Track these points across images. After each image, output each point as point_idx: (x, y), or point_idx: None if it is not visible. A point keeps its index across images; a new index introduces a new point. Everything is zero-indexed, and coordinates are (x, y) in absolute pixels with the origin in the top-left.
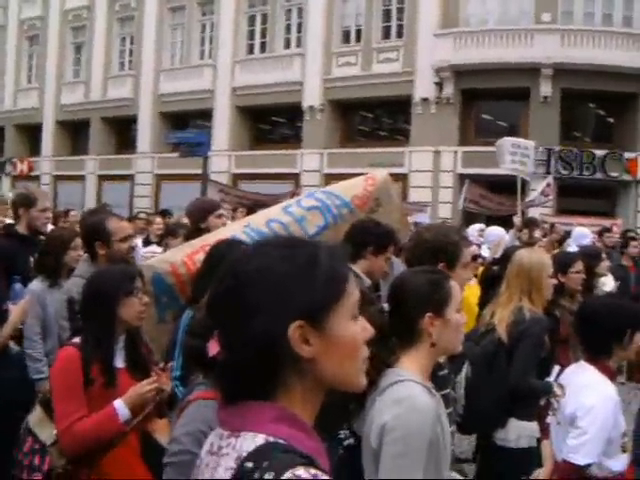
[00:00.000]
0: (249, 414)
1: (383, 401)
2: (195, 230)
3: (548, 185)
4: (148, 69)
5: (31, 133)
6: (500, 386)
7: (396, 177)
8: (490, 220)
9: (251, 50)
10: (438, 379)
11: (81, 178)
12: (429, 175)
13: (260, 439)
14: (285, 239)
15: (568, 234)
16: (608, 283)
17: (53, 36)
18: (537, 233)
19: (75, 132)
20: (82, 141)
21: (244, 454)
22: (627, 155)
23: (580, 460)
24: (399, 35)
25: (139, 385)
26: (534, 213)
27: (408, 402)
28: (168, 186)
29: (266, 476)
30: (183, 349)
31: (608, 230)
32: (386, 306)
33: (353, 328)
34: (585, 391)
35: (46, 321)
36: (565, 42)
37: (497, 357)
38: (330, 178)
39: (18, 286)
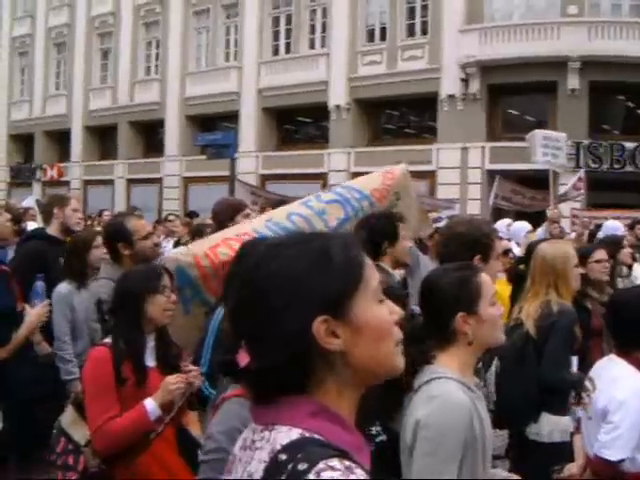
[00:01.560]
0: (284, 408)
1: (418, 398)
2: (222, 229)
3: (580, 179)
4: (174, 73)
5: (60, 139)
6: (530, 381)
7: (424, 174)
8: (519, 215)
9: (276, 51)
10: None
11: (110, 182)
12: (457, 172)
13: (295, 433)
14: (295, 237)
15: (598, 228)
16: None
17: (80, 43)
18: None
19: (103, 137)
20: (110, 146)
21: (278, 447)
22: None
23: (613, 456)
24: (424, 32)
25: (167, 381)
26: (565, 208)
27: (442, 399)
28: (196, 188)
29: (299, 467)
30: (212, 351)
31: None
32: (416, 308)
33: (379, 312)
34: (616, 385)
35: (75, 322)
36: (592, 34)
37: (526, 352)
38: (358, 177)
39: (40, 284)
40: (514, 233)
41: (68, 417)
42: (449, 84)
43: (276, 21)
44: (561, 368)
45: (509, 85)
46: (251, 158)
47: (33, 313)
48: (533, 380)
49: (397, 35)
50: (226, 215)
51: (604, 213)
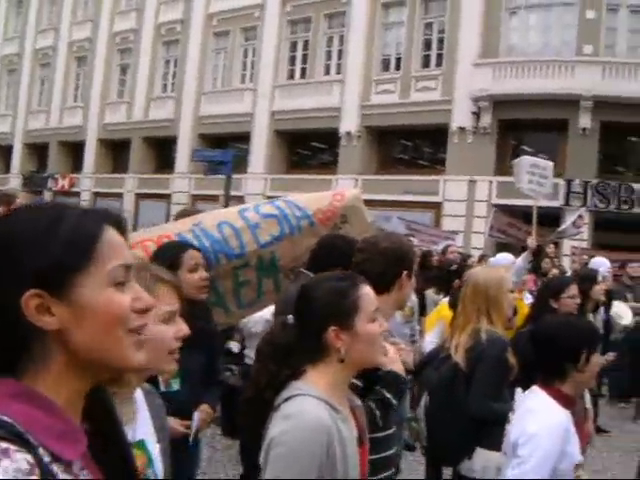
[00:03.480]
0: None
1: (276, 416)
2: None
3: (580, 217)
4: (190, 91)
5: (74, 150)
6: (461, 414)
7: (430, 205)
8: (523, 249)
9: (291, 75)
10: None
11: (119, 195)
12: (463, 204)
13: None
14: (45, 203)
15: None
16: (626, 317)
17: (100, 57)
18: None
19: (116, 150)
20: (122, 159)
21: None
22: None
23: None
24: (438, 64)
25: None
26: (566, 246)
27: (298, 418)
28: (202, 206)
29: None
30: None
31: (632, 261)
32: (291, 318)
33: (112, 297)
34: (529, 417)
35: None
36: (606, 74)
37: (455, 384)
38: (365, 204)
39: None
40: (495, 264)
41: None
42: (460, 117)
43: (293, 46)
44: (489, 399)
45: (520, 121)
46: (260, 180)
47: None
48: (464, 414)
49: (412, 65)
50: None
51: (604, 253)
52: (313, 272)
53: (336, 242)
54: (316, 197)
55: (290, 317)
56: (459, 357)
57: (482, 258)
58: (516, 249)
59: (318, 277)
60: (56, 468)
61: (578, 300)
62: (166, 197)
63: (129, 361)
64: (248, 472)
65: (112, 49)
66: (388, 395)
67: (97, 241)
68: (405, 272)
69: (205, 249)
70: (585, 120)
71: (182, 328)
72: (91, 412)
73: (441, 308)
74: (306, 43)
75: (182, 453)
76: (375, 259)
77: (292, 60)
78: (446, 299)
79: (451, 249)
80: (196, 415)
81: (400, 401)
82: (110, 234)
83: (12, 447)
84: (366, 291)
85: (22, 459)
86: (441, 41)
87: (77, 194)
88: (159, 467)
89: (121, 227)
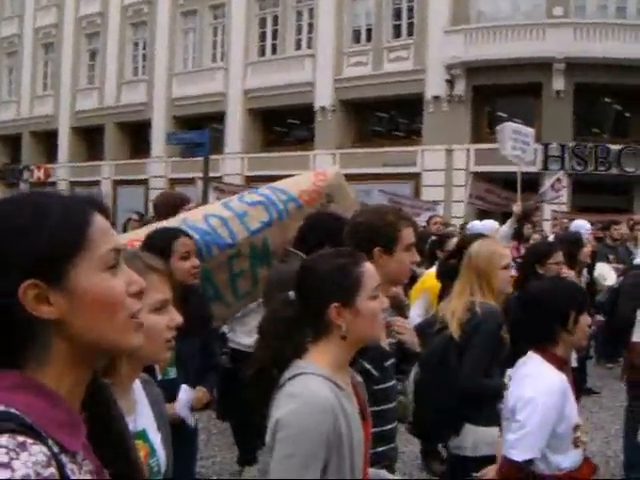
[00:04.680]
0: None
1: (280, 395)
2: None
3: (558, 180)
4: (161, 73)
5: (47, 140)
6: (452, 388)
7: (409, 176)
8: (505, 216)
9: (263, 52)
10: (384, 370)
11: (97, 183)
12: (442, 174)
13: None
14: (24, 193)
15: None
16: (610, 278)
17: (67, 43)
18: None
19: (90, 138)
20: (97, 147)
21: None
22: None
23: (518, 456)
24: (410, 33)
25: None
26: (546, 210)
27: (303, 397)
28: (181, 190)
29: None
30: None
31: (615, 223)
32: (292, 294)
33: (107, 281)
34: (526, 382)
35: None
36: (578, 36)
37: (448, 357)
38: (345, 178)
39: None
40: (472, 230)
41: None
42: (434, 85)
43: (263, 22)
44: (478, 374)
45: (494, 86)
46: (237, 159)
47: None
48: (455, 388)
49: (383, 36)
50: (167, 210)
51: (585, 215)
52: (302, 250)
53: (322, 218)
54: (298, 180)
55: (291, 293)
56: (453, 327)
57: (463, 227)
58: (497, 215)
59: (319, 254)
60: (64, 458)
61: (563, 266)
62: (144, 182)
63: (128, 343)
64: (244, 454)
65: (79, 34)
66: (368, 366)
67: (87, 227)
68: (378, 248)
69: (197, 242)
70: (558, 83)
71: (175, 317)
72: (90, 402)
73: (424, 280)
74: (275, 19)
75: (181, 439)
76: (348, 236)
77: (262, 36)
78: (429, 270)
79: (434, 220)
80: (183, 388)
81: (385, 374)
82: (98, 219)
83: (28, 440)
84: (367, 268)
85: (39, 451)
86: (411, 10)
87: (53, 184)
88: (162, 456)
89: (105, 212)
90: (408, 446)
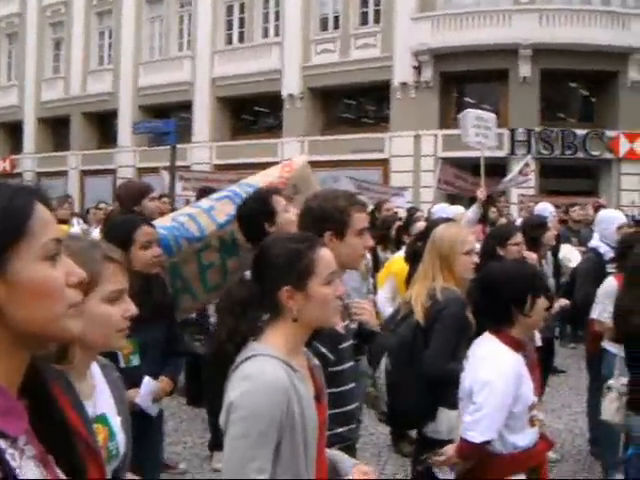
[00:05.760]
0: None
1: (234, 377)
2: (127, 213)
3: (527, 165)
4: (127, 62)
5: (12, 131)
6: (423, 376)
7: (377, 162)
8: (473, 201)
9: (230, 40)
10: (340, 352)
11: (64, 174)
12: (410, 160)
13: None
14: None
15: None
16: (574, 260)
17: (31, 33)
18: (493, 212)
19: (56, 128)
20: (64, 137)
21: None
22: (608, 134)
23: (476, 437)
24: (377, 20)
25: None
26: (514, 194)
27: (255, 379)
28: (149, 179)
29: None
30: None
31: (575, 205)
32: (248, 274)
33: (45, 271)
34: (482, 364)
35: None
36: (544, 22)
37: (416, 344)
38: (312, 166)
39: None
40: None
41: None
42: (402, 72)
43: (230, 10)
44: (445, 359)
45: (461, 73)
46: (205, 148)
47: None
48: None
49: (350, 23)
50: (131, 199)
51: (551, 199)
52: None
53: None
54: (265, 173)
55: (247, 273)
56: (418, 313)
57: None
58: (465, 200)
59: (277, 237)
60: (3, 443)
61: (523, 247)
62: (111, 172)
63: (65, 332)
64: (216, 438)
65: (43, 23)
66: (323, 349)
67: (29, 217)
68: (329, 233)
69: (164, 237)
70: (525, 69)
71: (130, 308)
72: (28, 388)
73: (390, 264)
74: (242, 6)
75: (146, 424)
76: (300, 220)
77: (229, 24)
78: (395, 255)
79: (386, 206)
80: (145, 380)
81: (341, 356)
82: (40, 209)
83: None
84: (322, 253)
85: None
86: None
87: (19, 175)
88: (121, 440)
89: (48, 203)
90: (378, 427)
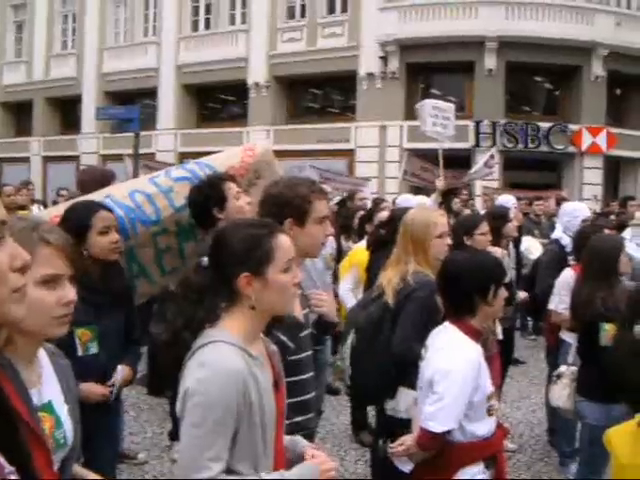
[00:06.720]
0: None
1: (190, 364)
2: None
3: (492, 157)
4: (91, 47)
5: None
6: (386, 354)
7: (343, 153)
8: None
9: (196, 27)
10: (299, 340)
11: (26, 160)
12: (375, 150)
13: None
14: None
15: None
16: (536, 252)
17: None
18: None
19: (18, 113)
20: (26, 122)
21: None
22: (572, 127)
23: (436, 427)
24: (344, 10)
25: None
26: (478, 186)
27: (213, 365)
28: (113, 166)
29: None
30: None
31: (538, 199)
32: (205, 260)
33: None
34: (442, 353)
35: None
36: (509, 15)
37: (383, 323)
38: (278, 155)
39: None
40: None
41: None
42: (368, 62)
43: None
44: (412, 340)
45: (428, 64)
46: (170, 135)
47: None
48: (389, 354)
49: (317, 12)
50: (93, 186)
51: (514, 192)
52: None
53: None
54: (227, 155)
55: (205, 259)
56: (388, 295)
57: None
58: (430, 192)
59: (236, 222)
60: None
61: (489, 237)
62: (74, 159)
63: (9, 317)
64: (176, 428)
65: (4, 5)
66: (283, 338)
67: None
68: (289, 220)
69: (121, 219)
70: (490, 61)
71: (67, 294)
72: None
73: (352, 255)
74: None
75: (104, 414)
76: (261, 206)
77: (195, 11)
78: (357, 245)
79: (358, 196)
80: (119, 369)
81: (300, 345)
82: None
83: None
84: (281, 240)
85: None
86: None
87: None
88: (69, 428)
89: None
90: (339, 417)
